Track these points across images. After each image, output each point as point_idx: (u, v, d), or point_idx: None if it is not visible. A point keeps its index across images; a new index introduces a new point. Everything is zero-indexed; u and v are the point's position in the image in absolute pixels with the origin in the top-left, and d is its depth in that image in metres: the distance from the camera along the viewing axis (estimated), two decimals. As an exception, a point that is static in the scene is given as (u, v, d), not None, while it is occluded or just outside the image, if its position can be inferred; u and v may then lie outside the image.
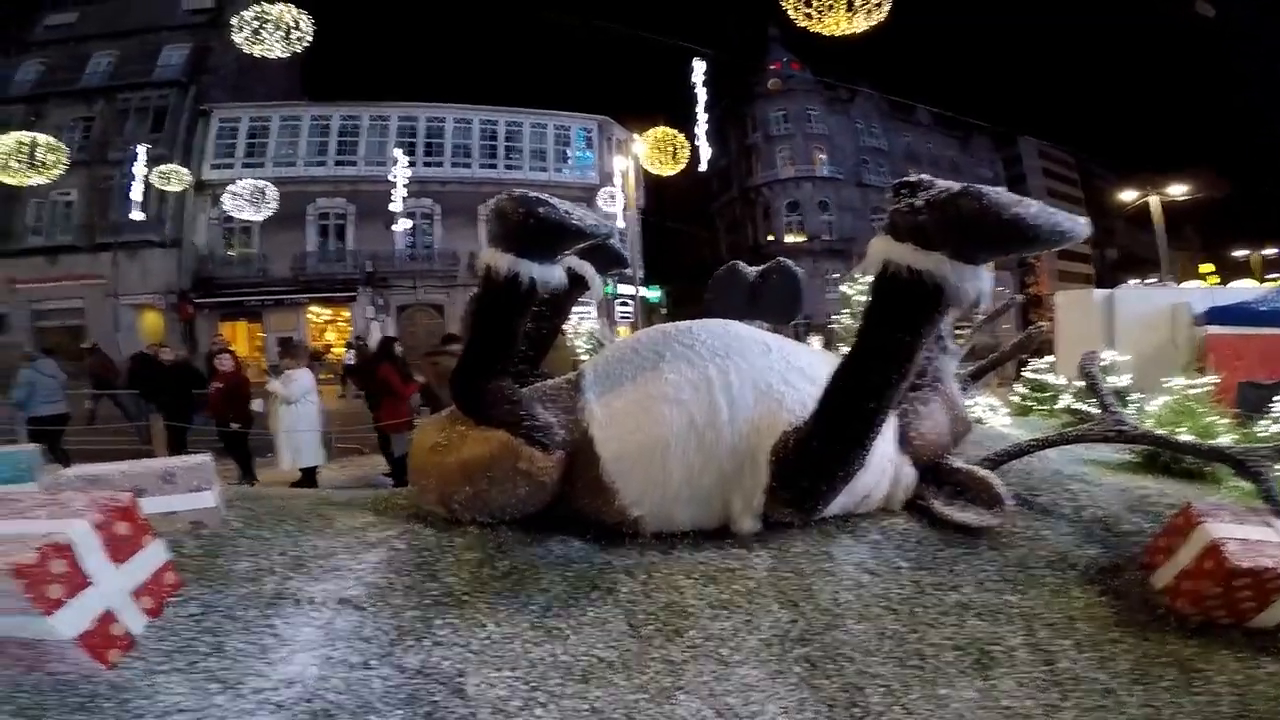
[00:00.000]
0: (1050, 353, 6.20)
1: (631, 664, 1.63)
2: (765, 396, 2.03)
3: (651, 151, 13.94)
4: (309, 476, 5.64)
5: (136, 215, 19.33)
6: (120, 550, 1.60)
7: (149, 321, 20.37)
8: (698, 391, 2.02)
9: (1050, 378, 5.23)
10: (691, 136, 15.66)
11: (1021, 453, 2.46)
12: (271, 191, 16.20)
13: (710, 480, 2.01)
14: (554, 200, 1.82)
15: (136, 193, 19.04)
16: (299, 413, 5.51)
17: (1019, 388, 5.48)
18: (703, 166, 16.96)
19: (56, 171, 12.35)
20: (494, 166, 23.58)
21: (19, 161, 11.80)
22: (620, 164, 21.71)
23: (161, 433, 5.84)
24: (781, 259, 2.86)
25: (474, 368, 2.02)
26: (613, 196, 20.60)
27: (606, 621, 1.77)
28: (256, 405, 5.92)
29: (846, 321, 5.68)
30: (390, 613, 1.75)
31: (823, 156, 31.54)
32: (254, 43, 8.57)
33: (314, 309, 21.62)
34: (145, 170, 18.58)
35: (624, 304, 25.00)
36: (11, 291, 19.26)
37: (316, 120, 22.65)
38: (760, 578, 1.92)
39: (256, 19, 8.38)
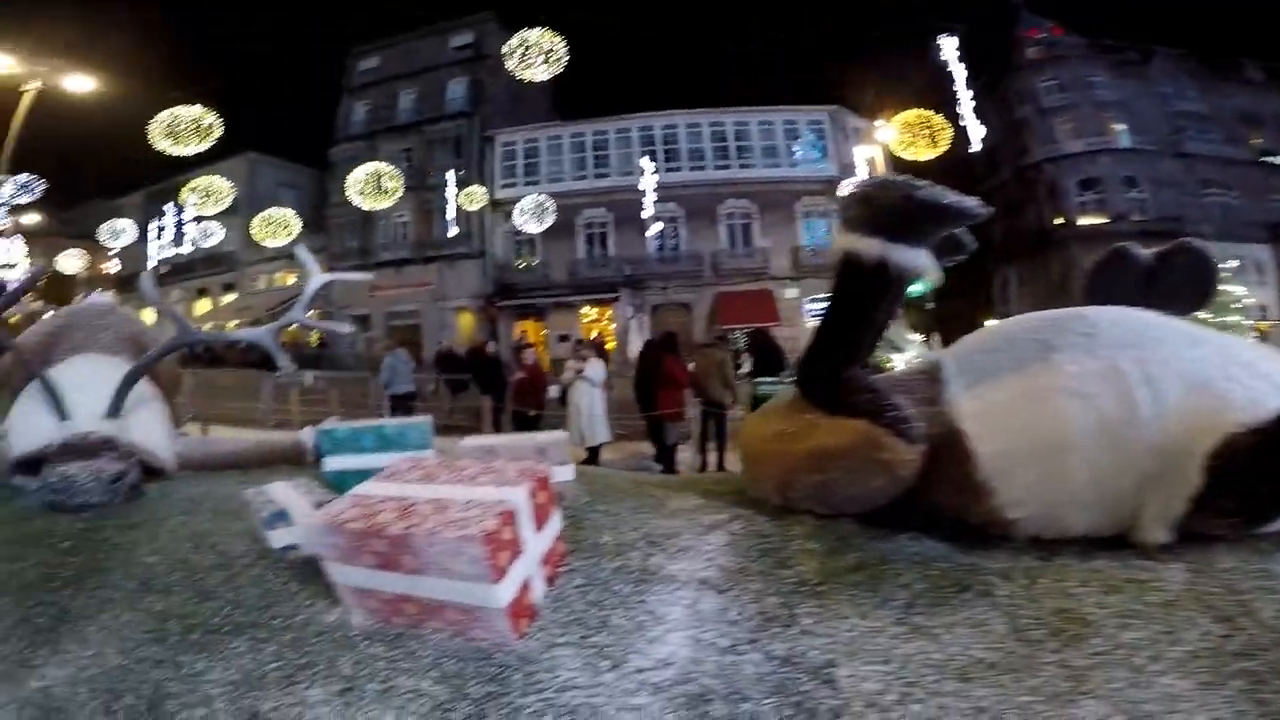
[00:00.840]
0: None
1: (1019, 667, 1.46)
2: (1200, 392, 1.69)
3: (904, 136, 12.88)
4: (594, 454, 6.24)
5: (452, 232, 23.63)
6: (539, 519, 1.70)
7: (464, 322, 24.70)
8: (1108, 385, 1.73)
9: None
10: (954, 117, 14.28)
11: None
12: (550, 205, 18.34)
13: (1122, 484, 1.73)
14: (923, 182, 1.72)
15: (450, 212, 23.26)
16: (593, 397, 6.20)
17: None
18: (975, 146, 15.36)
19: (397, 196, 15.37)
20: (728, 166, 24.07)
21: (371, 188, 14.93)
22: (863, 153, 20.48)
23: (488, 412, 6.93)
24: (1187, 239, 2.38)
25: (831, 356, 1.98)
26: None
27: (984, 623, 1.61)
28: (552, 392, 6.73)
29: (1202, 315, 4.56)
30: (751, 597, 1.75)
31: (1119, 126, 26.41)
32: (522, 67, 9.78)
33: (585, 309, 24.21)
34: (454, 192, 22.48)
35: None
36: (372, 297, 24.46)
37: (573, 138, 25.07)
38: (1178, 590, 1.65)
39: (521, 45, 9.48)
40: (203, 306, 29.46)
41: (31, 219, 20.51)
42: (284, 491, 2.17)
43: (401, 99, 27.17)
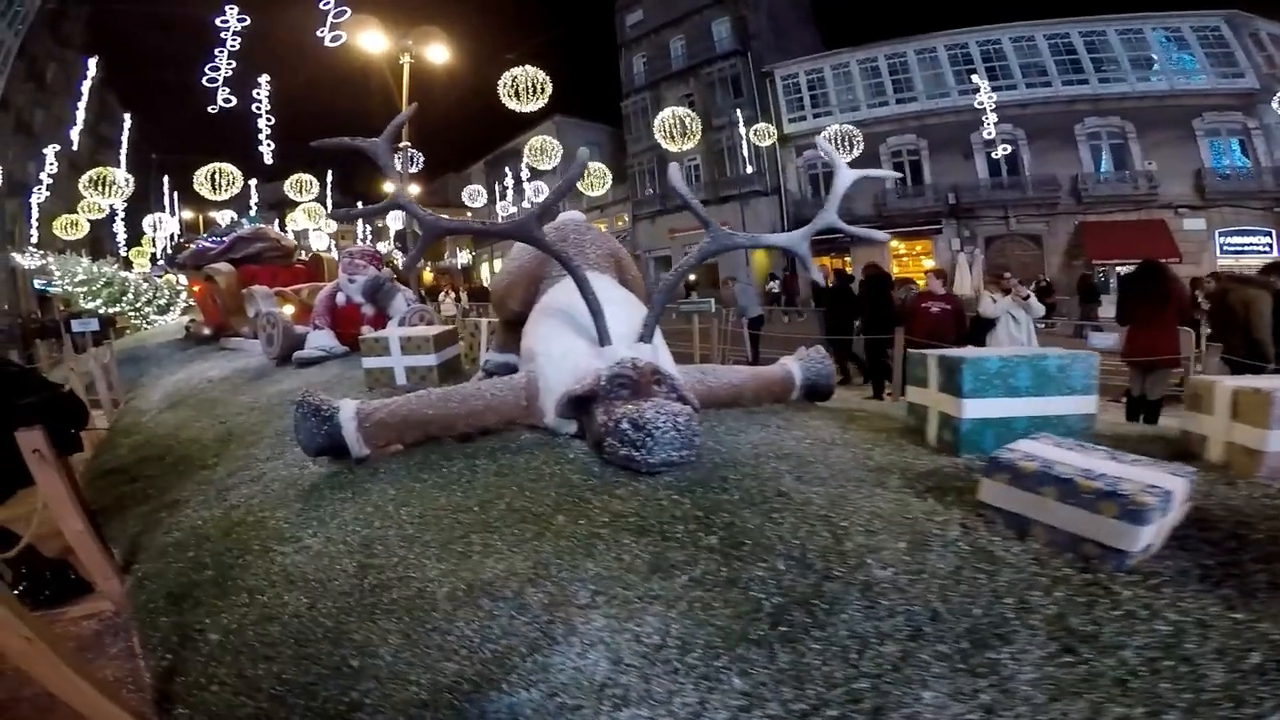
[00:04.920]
0: None
1: None
2: None
3: None
4: None
5: (747, 170, 22.95)
6: None
7: (759, 259, 24.00)
8: None
9: None
10: None
11: None
12: (857, 134, 16.72)
13: None
14: None
15: (744, 150, 22.48)
16: (1032, 335, 4.86)
17: None
18: None
19: (697, 138, 15.07)
20: (1084, 82, 19.54)
21: (677, 131, 14.78)
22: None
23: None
24: None
25: None
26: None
27: None
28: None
29: None
30: None
31: None
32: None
33: (894, 243, 21.89)
34: (744, 131, 21.63)
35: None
36: (672, 238, 25.44)
37: (863, 63, 22.43)
38: None
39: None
40: (540, 254, 33.35)
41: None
42: (1111, 464, 1.35)
43: (672, 46, 26.95)
